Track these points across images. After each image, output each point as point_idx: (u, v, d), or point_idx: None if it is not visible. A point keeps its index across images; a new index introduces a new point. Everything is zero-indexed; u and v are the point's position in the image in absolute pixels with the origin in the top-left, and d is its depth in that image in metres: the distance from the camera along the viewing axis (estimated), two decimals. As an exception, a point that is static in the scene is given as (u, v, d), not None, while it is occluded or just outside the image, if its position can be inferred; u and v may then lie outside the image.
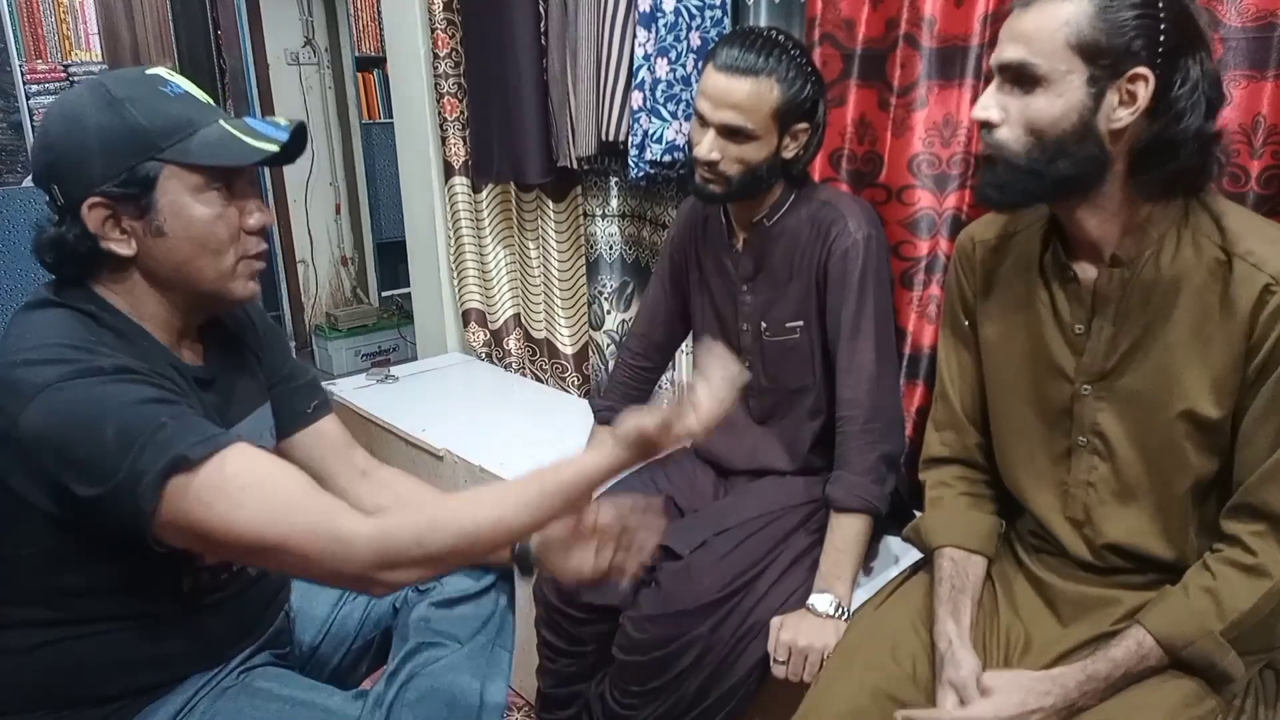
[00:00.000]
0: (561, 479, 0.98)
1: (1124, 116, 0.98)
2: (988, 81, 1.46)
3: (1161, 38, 0.95)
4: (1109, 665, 1.03)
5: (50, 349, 0.93)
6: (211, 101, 1.04)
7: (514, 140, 2.30)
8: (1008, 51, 1.01)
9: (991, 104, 1.04)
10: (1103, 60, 0.96)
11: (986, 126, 1.04)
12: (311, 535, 0.90)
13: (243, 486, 0.90)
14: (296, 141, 1.07)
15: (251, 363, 1.21)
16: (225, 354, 1.16)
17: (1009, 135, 1.02)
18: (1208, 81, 0.97)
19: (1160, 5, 0.95)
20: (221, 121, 1.01)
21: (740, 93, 1.34)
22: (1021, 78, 1.00)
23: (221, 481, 0.90)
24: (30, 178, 3.15)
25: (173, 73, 1.04)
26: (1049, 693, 1.03)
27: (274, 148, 1.02)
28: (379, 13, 3.35)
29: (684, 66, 1.89)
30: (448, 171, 2.61)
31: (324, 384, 2.55)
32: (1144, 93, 0.96)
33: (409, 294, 3.08)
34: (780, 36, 1.38)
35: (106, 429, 0.89)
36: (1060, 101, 0.98)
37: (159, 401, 0.93)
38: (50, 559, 0.96)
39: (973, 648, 1.12)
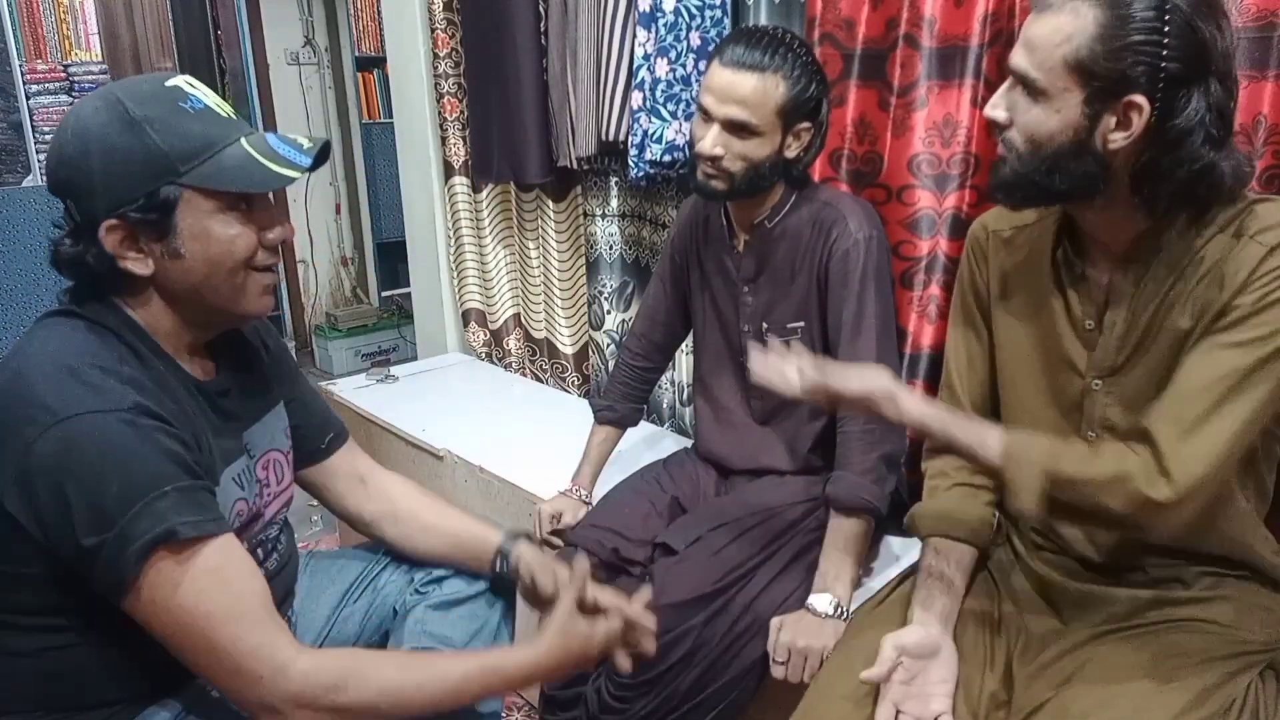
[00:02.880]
0: (491, 665, 1.06)
1: (1119, 139, 0.97)
2: (988, 81, 1.48)
3: (1164, 66, 0.93)
4: (952, 416, 1.08)
5: (71, 371, 0.93)
6: (232, 113, 1.02)
7: (514, 140, 2.30)
8: (1016, 57, 1.01)
9: (1001, 104, 1.04)
10: (1097, 84, 0.95)
11: (997, 126, 1.04)
12: (253, 651, 0.92)
13: (211, 576, 0.92)
14: (317, 159, 1.05)
15: (261, 365, 1.21)
16: (235, 361, 1.16)
17: (1015, 138, 1.02)
18: (1214, 112, 0.95)
19: (1166, 34, 0.92)
20: (243, 141, 0.99)
21: (746, 88, 1.35)
22: (1026, 86, 1.00)
23: (196, 565, 0.92)
24: (30, 177, 3.17)
25: (193, 84, 1.01)
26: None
27: (295, 174, 1.00)
28: (379, 13, 3.34)
29: (684, 66, 1.89)
30: (448, 171, 2.61)
31: (324, 384, 2.57)
32: (1138, 120, 0.95)
33: (409, 294, 3.08)
34: (786, 35, 1.38)
35: (112, 483, 0.89)
36: (1057, 117, 0.98)
37: (169, 458, 0.93)
38: (52, 578, 0.96)
39: (940, 627, 1.12)
